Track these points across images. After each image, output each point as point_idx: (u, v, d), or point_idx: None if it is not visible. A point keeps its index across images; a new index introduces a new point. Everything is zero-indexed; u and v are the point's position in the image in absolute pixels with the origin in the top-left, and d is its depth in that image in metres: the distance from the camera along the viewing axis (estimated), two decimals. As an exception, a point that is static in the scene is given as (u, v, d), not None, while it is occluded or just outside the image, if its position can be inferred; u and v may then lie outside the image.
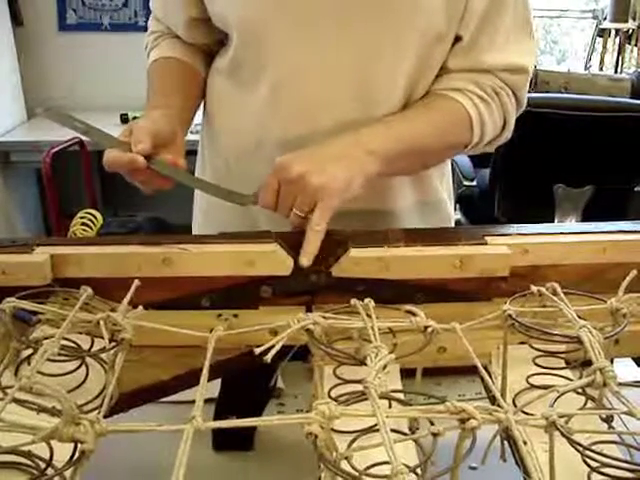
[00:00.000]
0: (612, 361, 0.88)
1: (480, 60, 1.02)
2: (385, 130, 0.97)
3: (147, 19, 1.20)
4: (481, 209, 2.93)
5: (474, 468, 0.74)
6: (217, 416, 0.77)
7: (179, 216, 1.66)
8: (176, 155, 0.91)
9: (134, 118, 3.21)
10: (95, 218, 2.75)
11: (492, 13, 0.99)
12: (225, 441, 0.85)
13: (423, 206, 1.14)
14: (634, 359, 0.98)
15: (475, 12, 0.98)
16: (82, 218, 2.74)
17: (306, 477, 0.60)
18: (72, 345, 0.65)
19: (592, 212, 2.70)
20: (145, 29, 1.18)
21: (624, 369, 0.97)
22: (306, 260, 0.79)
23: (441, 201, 1.18)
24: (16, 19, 3.44)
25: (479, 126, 1.01)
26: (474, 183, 2.92)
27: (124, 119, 3.30)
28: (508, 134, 1.08)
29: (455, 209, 2.95)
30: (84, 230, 2.70)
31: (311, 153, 0.90)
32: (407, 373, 0.71)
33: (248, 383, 0.81)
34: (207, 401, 0.79)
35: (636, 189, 2.84)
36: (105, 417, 0.54)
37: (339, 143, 0.93)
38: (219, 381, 0.84)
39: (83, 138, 2.94)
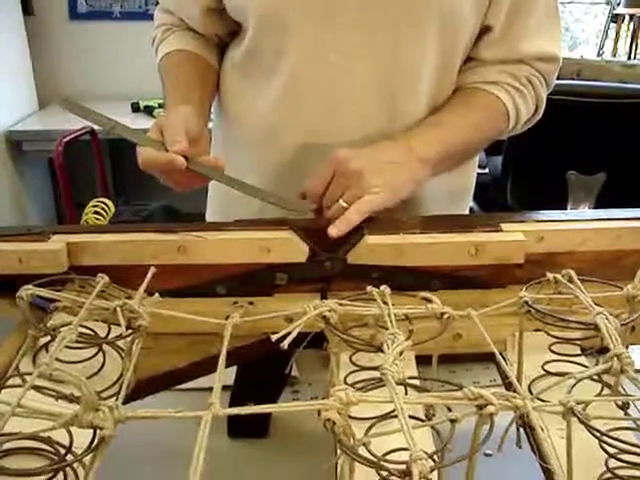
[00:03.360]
0: (627, 348, 0.88)
1: (514, 50, 1.02)
2: (433, 137, 0.97)
3: (158, 8, 1.18)
4: (493, 196, 2.92)
5: (489, 455, 0.74)
6: (233, 403, 0.77)
7: (191, 204, 1.65)
8: (202, 151, 0.90)
9: (145, 107, 3.22)
10: (107, 207, 2.75)
11: (523, 1, 0.99)
12: (240, 428, 0.85)
13: (450, 193, 1.14)
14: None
15: (504, 1, 0.98)
16: (94, 207, 2.74)
17: (321, 464, 0.60)
18: (89, 332, 0.66)
19: (605, 199, 2.68)
20: (156, 17, 1.17)
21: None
22: (336, 230, 0.80)
23: (466, 189, 1.18)
24: (27, 9, 3.44)
25: (515, 117, 1.03)
26: (486, 170, 2.91)
27: (135, 107, 3.30)
28: (538, 117, 1.10)
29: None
30: (96, 219, 2.71)
31: (369, 153, 0.91)
32: (422, 360, 0.71)
33: (263, 370, 0.81)
34: (223, 388, 0.80)
35: (649, 176, 2.83)
36: (122, 404, 0.54)
37: (394, 149, 0.94)
38: (234, 369, 0.85)
39: (95, 127, 2.95)
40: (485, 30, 1.01)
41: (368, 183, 0.86)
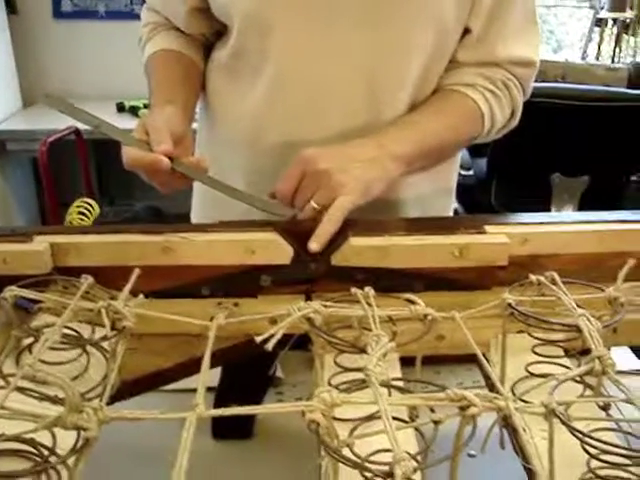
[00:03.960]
0: (609, 350, 0.89)
1: (491, 53, 1.02)
2: (406, 134, 0.97)
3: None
4: (478, 198, 2.93)
5: (473, 456, 0.75)
6: (217, 404, 0.77)
7: (175, 205, 1.65)
8: (186, 152, 0.90)
9: (130, 107, 3.21)
10: (91, 207, 2.75)
11: (502, 5, 0.99)
12: (224, 429, 0.85)
13: (432, 195, 1.14)
14: (631, 348, 0.98)
15: (485, 4, 0.98)
16: (78, 207, 2.74)
17: (305, 465, 0.60)
18: (73, 334, 0.66)
19: (588, 201, 2.70)
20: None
21: (621, 358, 0.97)
22: (316, 245, 0.79)
23: (450, 189, 1.19)
24: (11, 7, 3.43)
25: (489, 120, 1.03)
26: (471, 172, 2.92)
27: (120, 107, 3.29)
28: (515, 122, 1.10)
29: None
30: (81, 219, 2.70)
31: (338, 151, 0.91)
32: (406, 362, 0.72)
33: (248, 372, 0.81)
34: (207, 390, 0.80)
35: (632, 178, 2.85)
36: (106, 405, 0.54)
37: (364, 146, 0.93)
38: (219, 370, 0.85)
39: (79, 126, 2.94)
40: (464, 33, 1.01)
41: (337, 182, 0.85)
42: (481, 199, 2.90)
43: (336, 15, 0.95)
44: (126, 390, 0.68)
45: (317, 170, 0.86)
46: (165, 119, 0.91)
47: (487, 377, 0.63)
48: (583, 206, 2.73)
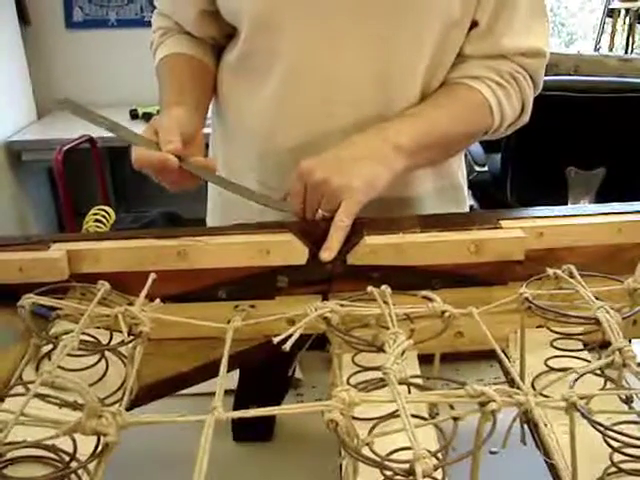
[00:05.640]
0: (630, 342, 0.88)
1: (497, 45, 1.01)
2: (409, 125, 0.97)
3: (154, 14, 1.19)
4: (493, 194, 2.92)
5: (494, 452, 0.74)
6: (236, 407, 0.77)
7: (192, 210, 1.66)
8: (197, 153, 0.91)
9: (144, 114, 3.22)
10: (108, 214, 2.76)
11: None
12: (245, 432, 0.85)
13: (442, 191, 1.14)
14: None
15: None
16: (95, 215, 2.75)
17: (326, 466, 0.60)
18: (91, 340, 0.66)
19: (605, 194, 2.69)
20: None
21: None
22: (327, 255, 0.79)
23: (458, 186, 1.18)
24: (24, 19, 3.45)
25: (499, 112, 1.02)
26: (486, 168, 2.91)
27: (133, 115, 3.31)
28: (526, 117, 1.08)
29: (467, 195, 2.95)
30: (97, 227, 2.71)
31: (334, 155, 0.90)
32: (425, 359, 0.71)
33: (267, 374, 0.81)
34: (226, 393, 0.80)
35: (649, 170, 2.83)
36: (126, 410, 0.54)
37: (364, 140, 0.93)
38: (238, 373, 0.85)
39: (93, 135, 2.95)
40: (471, 26, 1.01)
41: (338, 188, 0.85)
42: (497, 195, 2.89)
43: (344, 11, 0.95)
44: (145, 395, 0.68)
45: (316, 181, 0.86)
46: (174, 119, 0.92)
47: (507, 373, 0.63)
48: (600, 199, 2.71)
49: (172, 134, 0.88)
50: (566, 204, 2.71)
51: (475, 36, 1.01)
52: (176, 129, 0.89)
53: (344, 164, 0.88)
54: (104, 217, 2.75)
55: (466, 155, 2.83)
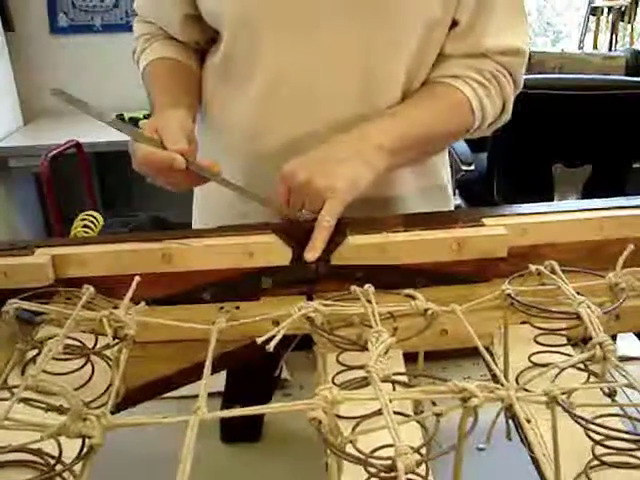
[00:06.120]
0: (615, 337, 0.89)
1: (477, 44, 1.02)
2: (390, 124, 0.97)
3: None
4: (481, 193, 2.93)
5: (482, 449, 0.75)
6: (224, 408, 0.77)
7: (179, 214, 1.66)
8: (192, 154, 0.91)
9: (130, 119, 3.21)
10: (96, 219, 2.75)
11: None
12: (233, 433, 0.85)
13: (426, 191, 1.14)
14: (637, 334, 0.98)
15: None
16: (83, 220, 2.74)
17: (314, 466, 0.60)
18: (77, 344, 0.66)
19: (591, 191, 2.70)
20: (137, 29, 1.17)
21: (629, 346, 0.97)
22: (311, 255, 0.80)
23: (443, 186, 1.18)
24: (7, 25, 3.43)
25: (480, 111, 1.02)
26: (472, 168, 2.92)
27: (120, 120, 3.29)
28: (507, 116, 1.09)
29: (455, 194, 2.95)
30: (85, 232, 2.70)
31: (316, 156, 0.90)
32: (412, 358, 0.72)
33: (253, 375, 0.81)
34: (214, 394, 0.81)
35: (634, 166, 2.84)
36: (112, 413, 0.55)
37: (345, 141, 0.93)
38: (225, 375, 0.85)
39: (80, 140, 2.94)
40: (451, 25, 1.01)
41: (321, 188, 0.85)
42: (484, 195, 2.90)
43: (325, 15, 0.96)
44: (132, 398, 0.68)
45: (299, 182, 0.86)
46: (177, 120, 0.92)
47: (490, 368, 0.63)
48: (586, 196, 2.73)
49: (178, 134, 0.88)
50: (553, 201, 2.73)
51: (455, 36, 1.01)
52: (180, 129, 0.89)
53: (327, 165, 0.88)
54: (92, 222, 2.75)
55: (453, 155, 2.85)
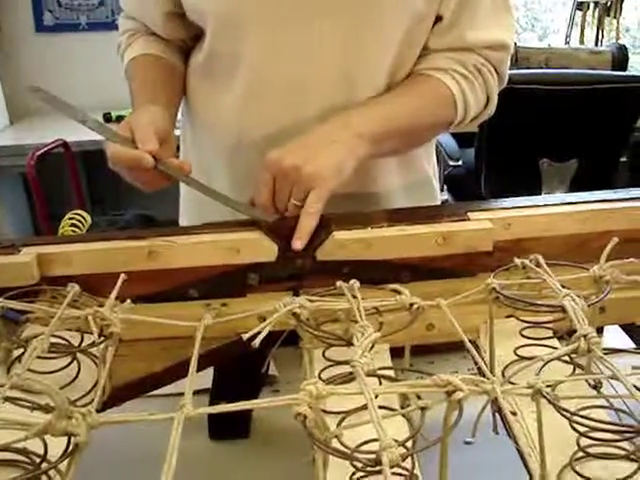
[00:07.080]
0: (601, 329, 0.89)
1: (462, 38, 1.02)
2: (372, 112, 0.97)
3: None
4: (468, 188, 2.94)
5: (469, 443, 0.75)
6: (212, 405, 0.77)
7: (167, 212, 1.65)
8: (169, 152, 0.91)
9: (117, 117, 3.20)
10: (84, 218, 2.74)
11: None
12: (221, 430, 0.85)
13: (410, 187, 1.14)
14: (622, 327, 0.98)
15: None
16: (71, 219, 2.73)
17: (301, 462, 0.60)
18: (62, 342, 0.66)
19: (579, 185, 2.71)
20: (123, 27, 1.17)
21: (614, 339, 0.97)
22: (299, 243, 0.80)
23: (427, 180, 1.19)
24: (-8, 24, 3.42)
25: (462, 104, 1.02)
26: (460, 163, 2.92)
27: (107, 118, 3.28)
28: (491, 110, 1.09)
29: (442, 190, 2.96)
30: (73, 231, 2.69)
31: (300, 143, 0.91)
32: (399, 353, 0.72)
33: (240, 371, 0.81)
34: (201, 392, 0.80)
35: (621, 159, 2.85)
36: (99, 411, 0.54)
37: (327, 128, 0.93)
38: (212, 372, 0.85)
39: (67, 139, 2.93)
40: (435, 20, 1.01)
41: (307, 174, 0.85)
42: (472, 190, 2.90)
43: (309, 10, 0.96)
44: (118, 396, 0.68)
45: (285, 169, 0.86)
46: (150, 118, 0.92)
47: (476, 362, 0.63)
48: (574, 190, 2.74)
49: (149, 133, 0.88)
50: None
51: (439, 30, 1.02)
52: (152, 128, 0.89)
53: (311, 151, 0.88)
54: (80, 221, 2.74)
55: (440, 150, 2.85)
